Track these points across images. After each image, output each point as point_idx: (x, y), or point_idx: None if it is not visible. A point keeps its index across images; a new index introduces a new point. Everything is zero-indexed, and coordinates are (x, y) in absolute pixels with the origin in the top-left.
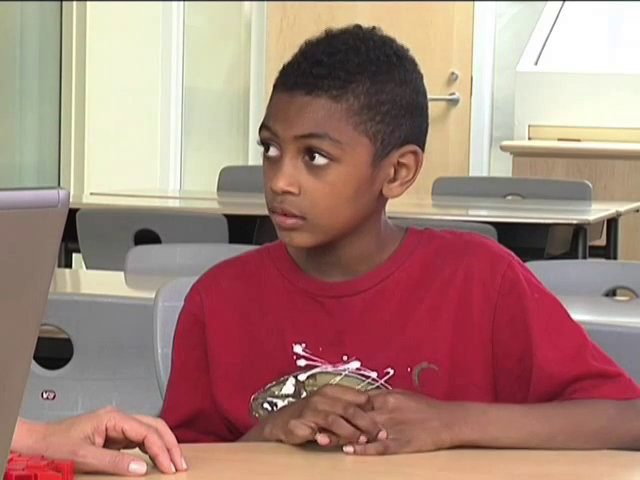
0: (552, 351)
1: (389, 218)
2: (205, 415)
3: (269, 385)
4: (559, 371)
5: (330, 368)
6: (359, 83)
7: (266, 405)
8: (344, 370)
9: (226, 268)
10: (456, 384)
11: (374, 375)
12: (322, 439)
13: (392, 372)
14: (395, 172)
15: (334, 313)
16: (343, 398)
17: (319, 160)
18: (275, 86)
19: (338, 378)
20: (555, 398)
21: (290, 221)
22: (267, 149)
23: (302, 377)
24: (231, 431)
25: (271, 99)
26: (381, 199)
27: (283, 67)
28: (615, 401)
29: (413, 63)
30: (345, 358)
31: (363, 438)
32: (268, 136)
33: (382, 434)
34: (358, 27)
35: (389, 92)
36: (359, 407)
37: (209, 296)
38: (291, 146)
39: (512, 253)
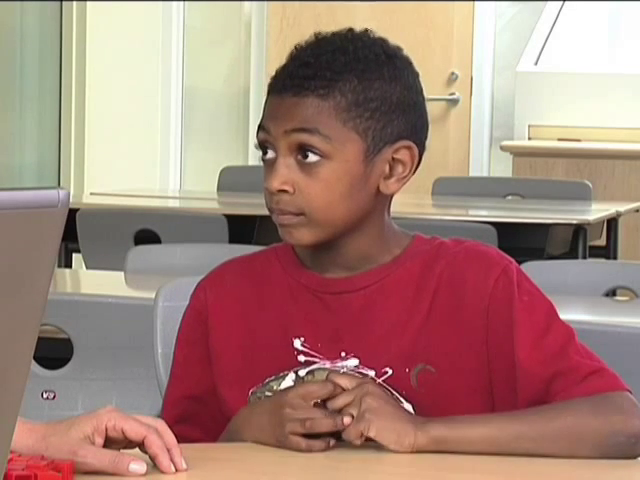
0: (534, 352)
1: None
2: (205, 411)
3: (268, 380)
4: (540, 371)
5: (328, 364)
6: (346, 81)
7: (264, 399)
8: (342, 367)
9: (232, 266)
10: (453, 386)
11: (372, 374)
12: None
13: (390, 372)
14: (391, 168)
15: (333, 309)
16: (309, 400)
17: (311, 157)
18: (268, 90)
19: None
20: (542, 400)
21: (287, 217)
22: (264, 152)
23: (302, 373)
24: None
25: (265, 103)
26: (380, 196)
27: (275, 72)
28: (590, 397)
29: (405, 61)
30: (343, 354)
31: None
32: (263, 136)
33: (347, 420)
34: (350, 30)
35: (377, 89)
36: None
37: (213, 293)
38: (283, 143)
39: (512, 260)
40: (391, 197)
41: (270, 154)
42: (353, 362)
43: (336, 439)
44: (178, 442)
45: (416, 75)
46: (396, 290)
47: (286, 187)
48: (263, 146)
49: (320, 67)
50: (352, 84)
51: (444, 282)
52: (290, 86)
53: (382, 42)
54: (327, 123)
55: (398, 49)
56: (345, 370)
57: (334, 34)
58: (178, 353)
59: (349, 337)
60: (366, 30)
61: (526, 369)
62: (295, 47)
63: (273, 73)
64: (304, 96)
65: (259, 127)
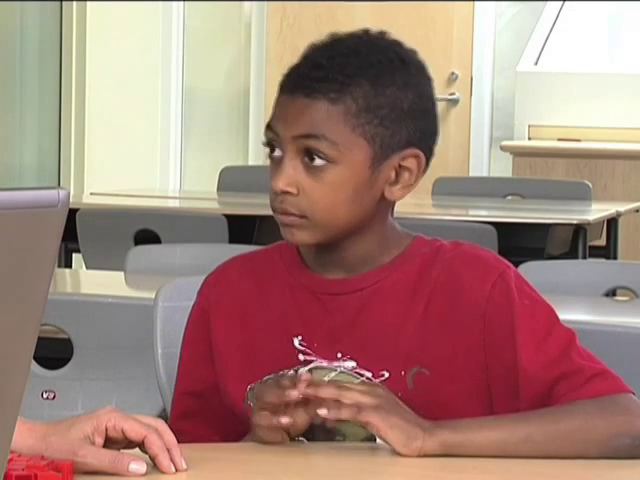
0: (537, 355)
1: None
2: (210, 407)
3: (267, 377)
4: (543, 374)
5: (326, 363)
6: (358, 86)
7: None
8: (339, 366)
9: (236, 263)
10: (449, 389)
11: (369, 375)
12: (283, 419)
13: (387, 374)
14: (397, 175)
15: (330, 310)
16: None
17: (317, 161)
18: (279, 88)
19: (333, 374)
20: (545, 402)
21: (290, 217)
22: (272, 150)
23: (301, 371)
24: (242, 423)
25: (276, 100)
26: (384, 202)
27: (288, 70)
28: (595, 399)
29: (420, 67)
30: (340, 355)
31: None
32: (271, 136)
33: (322, 411)
34: (365, 31)
35: (389, 96)
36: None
37: (216, 290)
38: (290, 146)
39: (510, 264)
40: (394, 201)
41: (277, 152)
42: (350, 363)
43: (331, 439)
44: (184, 438)
45: (429, 81)
46: (392, 292)
47: (290, 188)
48: (270, 144)
49: (332, 70)
50: (364, 89)
51: (440, 285)
52: (302, 87)
53: (397, 46)
54: (335, 128)
55: (413, 53)
56: (342, 369)
57: (349, 35)
58: (183, 350)
59: (345, 338)
60: (382, 32)
61: (529, 372)
62: (309, 46)
63: (286, 70)
64: (314, 98)
65: (268, 126)
